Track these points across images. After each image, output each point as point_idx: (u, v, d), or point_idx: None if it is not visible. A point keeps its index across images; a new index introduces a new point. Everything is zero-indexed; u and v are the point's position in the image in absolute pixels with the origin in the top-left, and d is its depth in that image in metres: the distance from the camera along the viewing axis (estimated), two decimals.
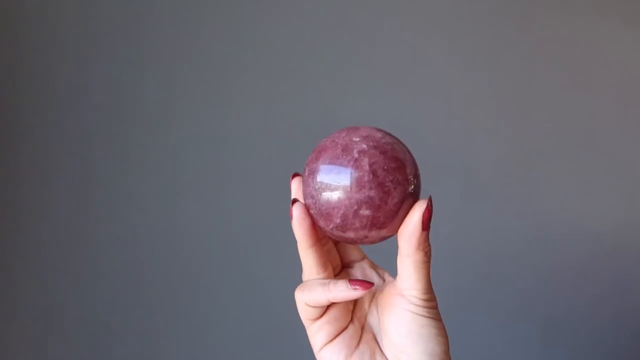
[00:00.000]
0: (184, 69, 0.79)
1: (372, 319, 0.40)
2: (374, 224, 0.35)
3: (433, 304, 0.37)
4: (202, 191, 0.78)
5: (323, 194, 0.35)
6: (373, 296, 0.41)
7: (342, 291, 0.36)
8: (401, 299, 0.37)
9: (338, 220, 0.35)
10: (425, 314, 0.37)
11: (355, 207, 0.35)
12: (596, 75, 0.78)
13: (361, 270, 0.42)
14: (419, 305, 0.37)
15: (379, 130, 0.37)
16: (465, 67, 0.78)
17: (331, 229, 0.36)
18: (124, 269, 0.78)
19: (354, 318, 0.40)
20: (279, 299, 0.73)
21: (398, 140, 0.37)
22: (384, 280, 0.41)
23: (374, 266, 0.42)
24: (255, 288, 0.78)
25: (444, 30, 0.78)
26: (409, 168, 0.36)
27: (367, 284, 0.36)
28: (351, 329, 0.39)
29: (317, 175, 0.36)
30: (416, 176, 0.36)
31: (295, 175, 0.40)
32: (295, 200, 0.38)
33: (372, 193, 0.35)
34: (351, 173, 0.35)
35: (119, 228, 0.79)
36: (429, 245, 0.36)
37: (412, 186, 0.36)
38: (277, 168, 0.66)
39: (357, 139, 0.36)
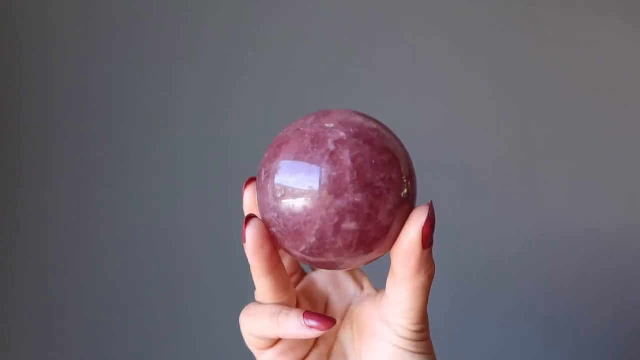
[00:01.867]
0: (184, 69, 0.79)
1: (346, 338, 0.31)
2: (363, 241, 0.25)
3: (425, 334, 0.28)
4: (202, 191, 0.78)
5: (287, 203, 0.25)
6: (348, 307, 0.32)
7: (294, 328, 0.27)
8: (385, 327, 0.28)
9: (312, 240, 0.25)
10: (414, 348, 0.28)
11: (337, 219, 0.25)
12: (596, 75, 0.78)
13: (331, 276, 0.32)
14: (408, 339, 0.28)
15: (358, 113, 0.28)
16: (465, 67, 0.78)
17: (302, 252, 0.26)
18: (124, 269, 0.78)
19: (320, 339, 0.31)
20: None
21: (384, 126, 0.28)
22: (361, 289, 0.32)
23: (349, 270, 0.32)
24: (255, 288, 0.78)
25: (444, 30, 0.78)
26: (403, 163, 0.26)
27: (327, 321, 0.27)
28: (314, 357, 0.30)
29: (278, 178, 0.26)
30: (411, 175, 0.27)
31: (250, 180, 0.30)
32: (250, 217, 0.28)
33: (359, 198, 0.25)
34: (327, 171, 0.25)
35: (119, 228, 0.79)
36: (433, 264, 0.27)
37: (406, 189, 0.26)
38: None
39: (331, 125, 0.27)
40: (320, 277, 0.32)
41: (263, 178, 0.27)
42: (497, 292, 0.77)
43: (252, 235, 0.28)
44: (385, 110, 0.78)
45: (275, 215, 0.26)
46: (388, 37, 0.78)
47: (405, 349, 0.28)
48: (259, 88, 0.78)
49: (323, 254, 0.26)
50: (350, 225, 0.25)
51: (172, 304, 0.79)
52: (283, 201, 0.25)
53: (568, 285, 0.77)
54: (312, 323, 0.27)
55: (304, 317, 0.27)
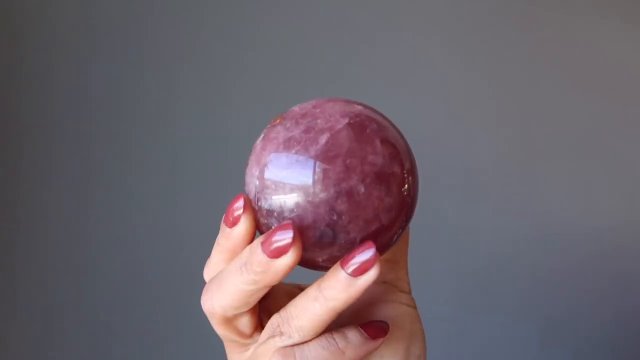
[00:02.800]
0: (184, 69, 0.79)
1: None
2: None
3: None
4: (202, 191, 0.78)
5: (381, 194, 0.25)
6: None
7: (361, 347, 0.25)
8: (392, 291, 0.29)
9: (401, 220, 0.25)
10: (415, 304, 0.29)
11: (409, 191, 0.26)
12: (596, 75, 0.78)
13: (276, 302, 0.29)
14: (409, 293, 0.29)
15: (336, 100, 0.28)
16: (465, 67, 0.78)
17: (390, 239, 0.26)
18: (124, 269, 0.78)
19: None
20: None
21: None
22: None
23: (295, 285, 0.30)
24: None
25: (444, 30, 0.78)
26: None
27: (384, 324, 0.26)
28: None
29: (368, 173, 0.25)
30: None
31: (246, 205, 0.27)
32: (246, 197, 0.26)
33: (414, 165, 0.27)
34: (400, 150, 0.26)
35: (119, 228, 0.79)
36: None
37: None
38: None
39: (358, 108, 0.27)
40: (275, 308, 0.29)
41: (351, 183, 0.25)
42: (497, 292, 0.77)
43: (247, 221, 0.26)
44: (386, 110, 0.78)
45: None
46: (388, 37, 0.78)
47: (413, 307, 0.28)
48: (259, 88, 0.78)
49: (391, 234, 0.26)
50: (409, 193, 0.25)
51: (172, 304, 0.79)
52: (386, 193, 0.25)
53: (568, 285, 0.77)
54: (375, 333, 0.25)
55: (364, 330, 0.25)
